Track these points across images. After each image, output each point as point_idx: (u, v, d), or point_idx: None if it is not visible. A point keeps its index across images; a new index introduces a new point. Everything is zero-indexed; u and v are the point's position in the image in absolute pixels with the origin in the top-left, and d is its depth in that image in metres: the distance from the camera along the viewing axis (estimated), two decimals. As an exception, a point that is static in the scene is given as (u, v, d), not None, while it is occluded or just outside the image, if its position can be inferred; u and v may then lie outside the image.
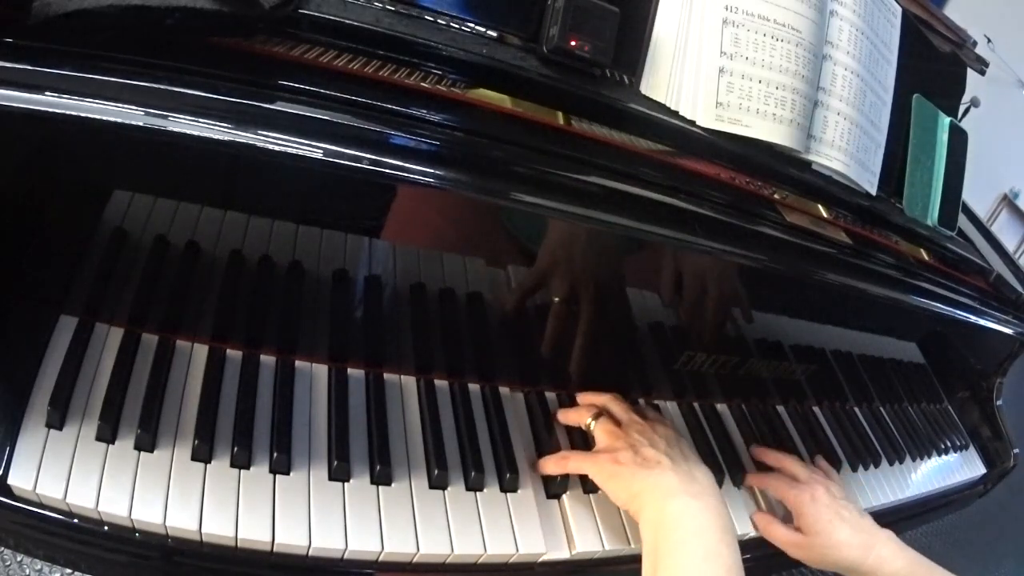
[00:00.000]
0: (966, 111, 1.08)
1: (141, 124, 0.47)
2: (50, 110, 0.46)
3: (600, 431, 0.71)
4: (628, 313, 0.76)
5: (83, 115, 0.46)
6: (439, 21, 0.64)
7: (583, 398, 0.78)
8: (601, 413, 0.73)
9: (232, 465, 0.58)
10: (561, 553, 0.66)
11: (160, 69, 0.49)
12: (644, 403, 0.84)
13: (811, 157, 0.80)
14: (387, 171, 0.53)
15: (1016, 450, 1.21)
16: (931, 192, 0.97)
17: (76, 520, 0.53)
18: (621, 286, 0.74)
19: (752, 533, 0.80)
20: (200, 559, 0.55)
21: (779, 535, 0.78)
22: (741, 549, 0.64)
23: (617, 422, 0.73)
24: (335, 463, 0.61)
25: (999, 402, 1.20)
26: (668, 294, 0.76)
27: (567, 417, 0.75)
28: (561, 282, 0.70)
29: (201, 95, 0.49)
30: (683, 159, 0.71)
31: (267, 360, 0.66)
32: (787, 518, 0.80)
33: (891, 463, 1.03)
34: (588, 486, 0.71)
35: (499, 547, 0.63)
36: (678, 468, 0.66)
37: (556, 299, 0.71)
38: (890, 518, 0.97)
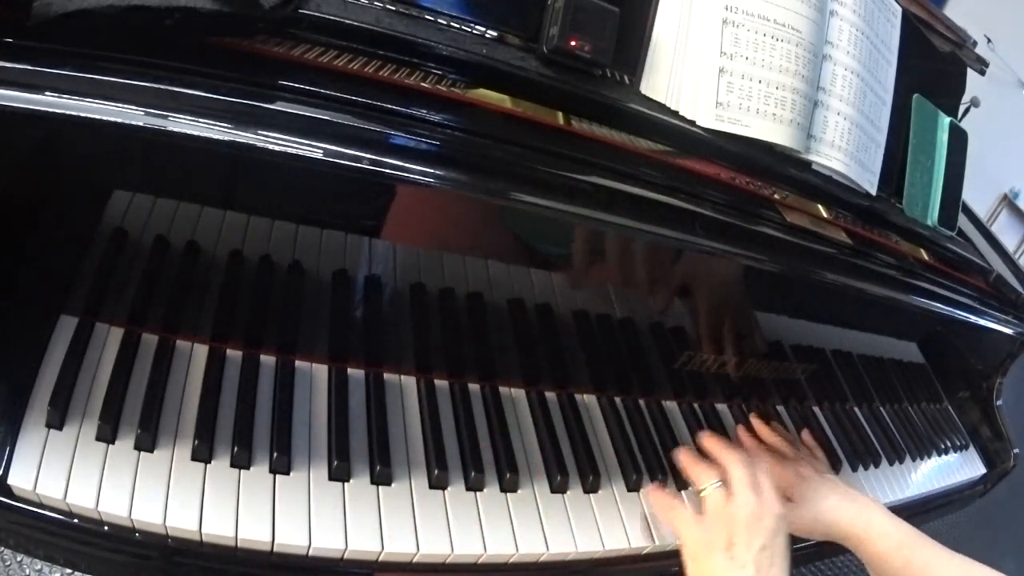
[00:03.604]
0: (966, 111, 1.08)
1: (141, 124, 0.47)
2: (50, 110, 0.46)
3: (712, 501, 0.67)
4: (628, 313, 0.76)
5: (83, 115, 0.46)
6: (439, 21, 0.64)
7: (714, 450, 0.73)
8: (721, 482, 0.68)
9: (232, 465, 0.58)
10: (562, 552, 0.66)
11: (160, 69, 0.49)
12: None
13: (811, 157, 0.80)
14: (387, 171, 0.53)
15: (1016, 450, 1.21)
16: (931, 192, 0.97)
17: (76, 520, 0.53)
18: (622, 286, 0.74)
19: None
20: (200, 559, 0.55)
21: None
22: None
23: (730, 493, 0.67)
24: (335, 463, 0.61)
25: (999, 402, 1.20)
26: (667, 294, 0.76)
27: (690, 468, 0.71)
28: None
29: (201, 95, 0.49)
30: (683, 159, 0.71)
31: (267, 360, 0.66)
32: None
33: (891, 463, 1.03)
34: (589, 485, 0.71)
35: (499, 547, 0.63)
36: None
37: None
38: (890, 518, 0.97)
